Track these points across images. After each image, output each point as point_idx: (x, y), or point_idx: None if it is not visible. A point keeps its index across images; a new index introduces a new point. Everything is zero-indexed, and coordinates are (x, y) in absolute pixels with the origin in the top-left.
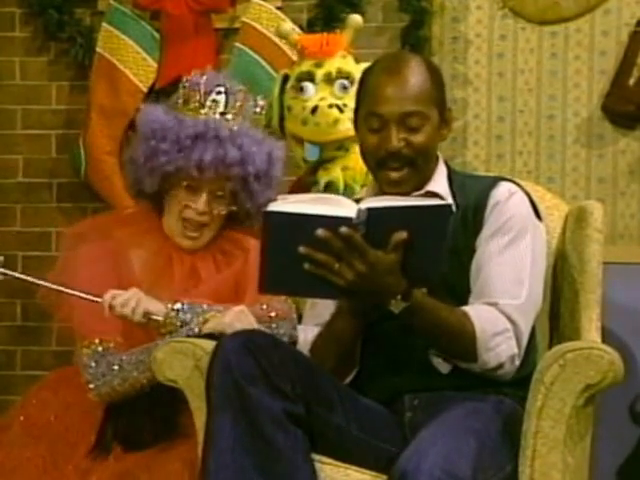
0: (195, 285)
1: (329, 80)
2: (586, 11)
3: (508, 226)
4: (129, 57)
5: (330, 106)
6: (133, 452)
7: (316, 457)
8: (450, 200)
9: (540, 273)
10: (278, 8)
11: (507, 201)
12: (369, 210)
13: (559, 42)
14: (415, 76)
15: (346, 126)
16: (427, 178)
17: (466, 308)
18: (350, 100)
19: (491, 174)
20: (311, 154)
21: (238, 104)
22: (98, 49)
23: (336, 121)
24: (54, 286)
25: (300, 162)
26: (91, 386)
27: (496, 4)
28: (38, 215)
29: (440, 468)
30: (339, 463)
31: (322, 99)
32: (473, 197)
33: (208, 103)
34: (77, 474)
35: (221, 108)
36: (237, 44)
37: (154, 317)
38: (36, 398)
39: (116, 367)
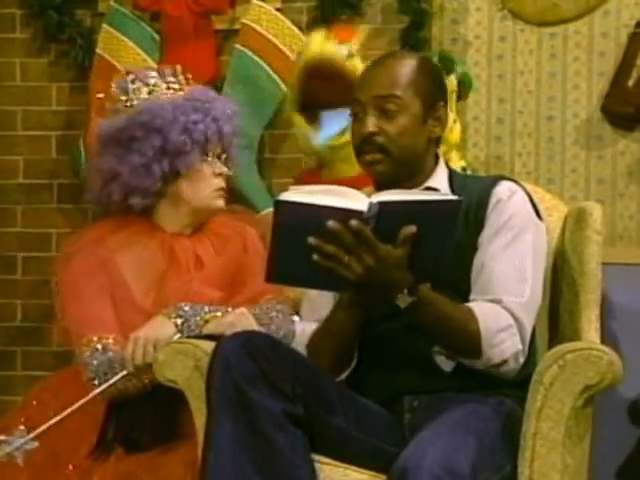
0: (199, 270)
1: None
2: (585, 12)
3: (510, 224)
4: (129, 58)
5: None
6: (134, 453)
7: (315, 457)
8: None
9: (541, 272)
10: (278, 9)
11: (509, 199)
12: (380, 204)
13: (558, 43)
14: (399, 66)
15: None
16: (425, 175)
17: (470, 305)
18: None
19: (491, 175)
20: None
21: (179, 74)
22: (98, 50)
23: None
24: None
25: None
26: (95, 383)
27: (495, 6)
28: (38, 216)
29: (439, 465)
30: (338, 463)
31: None
32: (475, 195)
33: (147, 85)
34: (78, 475)
35: (163, 83)
36: (237, 45)
37: (173, 339)
38: (37, 399)
39: (117, 365)
